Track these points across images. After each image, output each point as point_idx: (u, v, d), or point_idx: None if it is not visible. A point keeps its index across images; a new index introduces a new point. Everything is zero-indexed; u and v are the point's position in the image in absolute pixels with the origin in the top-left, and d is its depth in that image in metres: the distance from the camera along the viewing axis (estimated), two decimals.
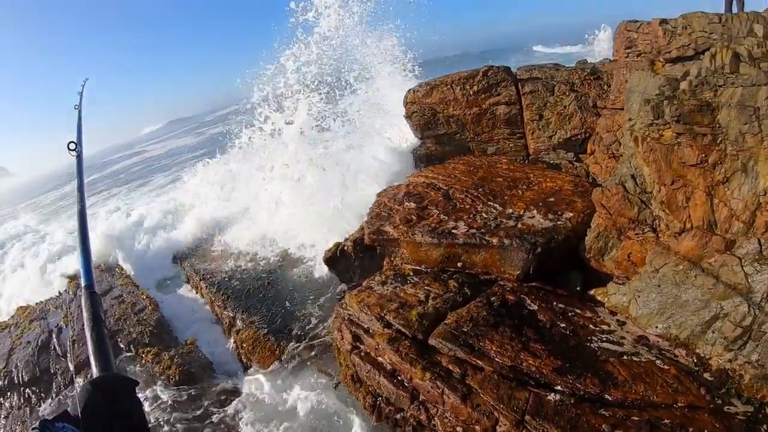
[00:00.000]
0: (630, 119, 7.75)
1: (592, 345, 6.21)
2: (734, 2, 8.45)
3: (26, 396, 10.96)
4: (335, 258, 11.10)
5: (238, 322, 10.91)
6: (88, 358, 1.47)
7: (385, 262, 10.02)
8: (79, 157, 2.43)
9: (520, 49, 67.33)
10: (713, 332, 5.60)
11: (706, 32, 7.52)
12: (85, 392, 1.27)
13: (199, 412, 8.81)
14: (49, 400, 10.63)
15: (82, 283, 1.77)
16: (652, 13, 8.88)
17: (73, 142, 2.48)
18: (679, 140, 6.56)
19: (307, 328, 10.20)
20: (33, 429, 1.12)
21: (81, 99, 3.29)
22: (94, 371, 1.41)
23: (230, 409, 8.78)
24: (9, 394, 11.21)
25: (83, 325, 1.59)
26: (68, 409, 1.27)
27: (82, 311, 1.65)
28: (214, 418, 8.65)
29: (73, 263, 18.05)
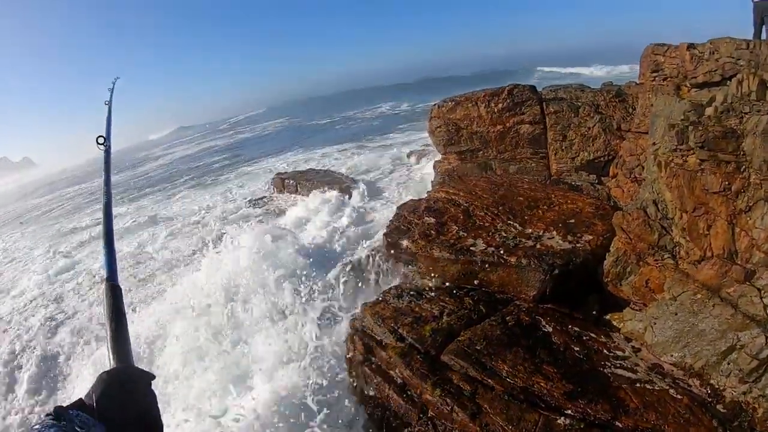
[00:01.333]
0: (654, 143, 7.71)
1: (605, 370, 6.14)
2: (763, 28, 8.38)
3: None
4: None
5: None
6: (105, 348, 1.50)
7: (401, 276, 10.08)
8: (107, 152, 2.46)
9: (526, 70, 67.65)
10: (729, 363, 5.50)
11: (733, 58, 7.47)
12: (101, 382, 1.28)
13: None
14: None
15: (104, 275, 1.76)
16: (678, 37, 8.85)
17: (102, 136, 2.49)
18: (702, 167, 6.48)
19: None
20: (47, 415, 1.11)
21: (111, 96, 3.33)
22: (112, 362, 1.41)
23: None
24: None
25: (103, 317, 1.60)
26: (83, 398, 1.26)
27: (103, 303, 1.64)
28: None
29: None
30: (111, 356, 1.43)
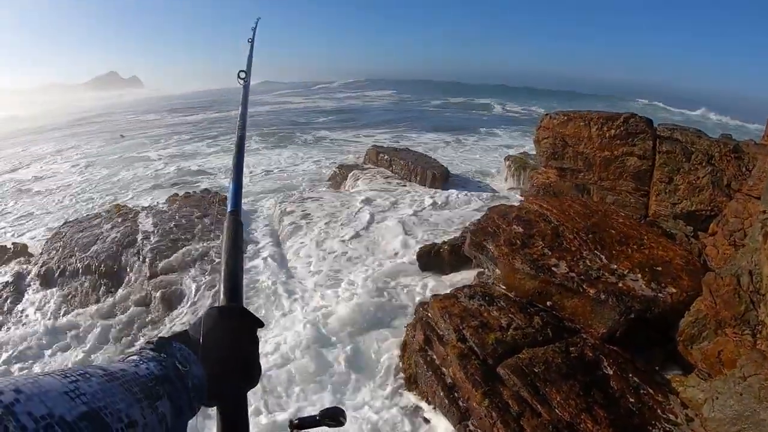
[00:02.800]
0: (764, 211, 7.49)
1: (653, 431, 6.22)
2: None
3: (98, 285, 12.53)
4: (428, 255, 11.63)
5: None
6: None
7: (475, 276, 10.31)
8: (246, 87, 2.52)
9: (623, 99, 65.61)
10: None
11: None
12: (212, 319, 1.21)
13: None
14: (119, 294, 12.04)
15: (228, 208, 1.71)
16: None
17: (243, 71, 2.55)
18: None
19: None
20: (148, 343, 1.05)
21: (254, 35, 3.43)
22: (222, 299, 1.34)
23: None
24: (83, 279, 12.75)
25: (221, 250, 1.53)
26: (189, 330, 1.19)
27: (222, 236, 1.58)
28: None
29: None
30: (222, 292, 1.37)
